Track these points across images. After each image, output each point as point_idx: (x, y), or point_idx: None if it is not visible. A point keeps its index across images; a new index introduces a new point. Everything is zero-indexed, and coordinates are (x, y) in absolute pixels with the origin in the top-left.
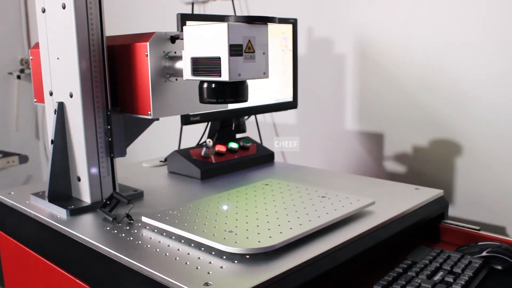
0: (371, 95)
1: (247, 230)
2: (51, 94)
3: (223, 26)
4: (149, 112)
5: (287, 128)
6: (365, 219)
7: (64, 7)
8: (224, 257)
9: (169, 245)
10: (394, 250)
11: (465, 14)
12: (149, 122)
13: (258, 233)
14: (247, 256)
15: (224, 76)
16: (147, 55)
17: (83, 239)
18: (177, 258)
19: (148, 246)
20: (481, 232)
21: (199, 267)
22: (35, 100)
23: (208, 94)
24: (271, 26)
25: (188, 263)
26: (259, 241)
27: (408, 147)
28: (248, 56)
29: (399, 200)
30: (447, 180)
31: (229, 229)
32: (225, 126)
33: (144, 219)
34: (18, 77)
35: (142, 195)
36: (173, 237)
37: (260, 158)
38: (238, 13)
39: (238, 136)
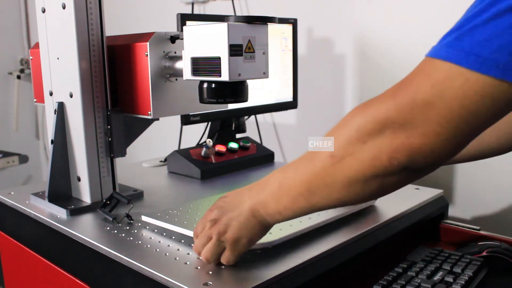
0: (371, 95)
1: None
2: (51, 94)
3: (223, 26)
4: (149, 112)
5: (287, 128)
6: (365, 219)
7: (64, 7)
8: None
9: (169, 245)
10: (394, 250)
11: None
12: (149, 122)
13: None
14: (247, 256)
15: (224, 76)
16: (147, 55)
17: (83, 239)
18: (177, 258)
19: (148, 246)
20: (481, 232)
21: (199, 267)
22: (35, 100)
23: (208, 94)
24: (271, 26)
25: (188, 263)
26: None
27: None
28: (248, 56)
29: (399, 200)
30: (447, 180)
31: None
32: (225, 126)
33: (144, 218)
34: (18, 77)
35: (142, 195)
36: (173, 237)
37: (260, 158)
38: (238, 13)
39: (238, 136)
